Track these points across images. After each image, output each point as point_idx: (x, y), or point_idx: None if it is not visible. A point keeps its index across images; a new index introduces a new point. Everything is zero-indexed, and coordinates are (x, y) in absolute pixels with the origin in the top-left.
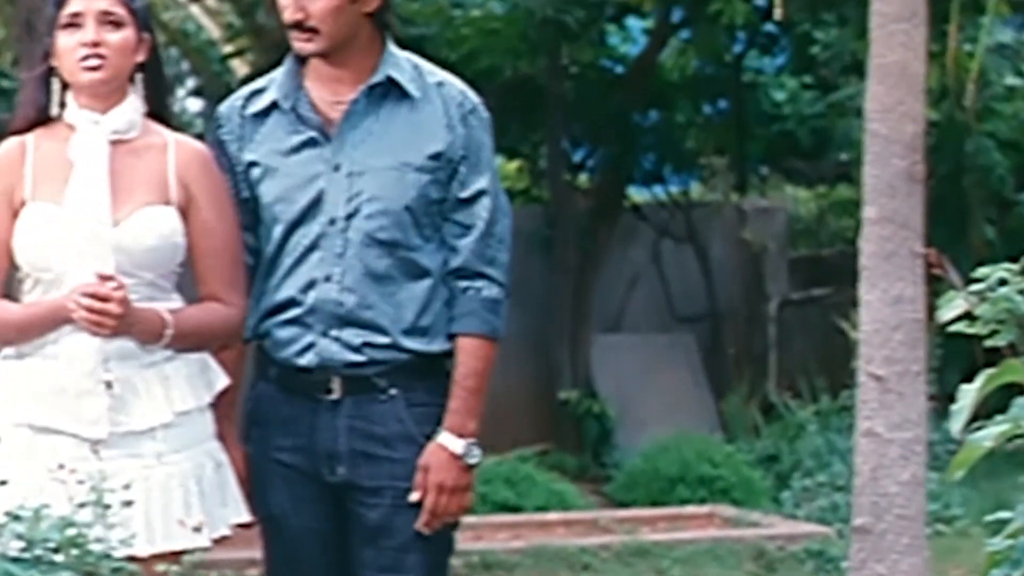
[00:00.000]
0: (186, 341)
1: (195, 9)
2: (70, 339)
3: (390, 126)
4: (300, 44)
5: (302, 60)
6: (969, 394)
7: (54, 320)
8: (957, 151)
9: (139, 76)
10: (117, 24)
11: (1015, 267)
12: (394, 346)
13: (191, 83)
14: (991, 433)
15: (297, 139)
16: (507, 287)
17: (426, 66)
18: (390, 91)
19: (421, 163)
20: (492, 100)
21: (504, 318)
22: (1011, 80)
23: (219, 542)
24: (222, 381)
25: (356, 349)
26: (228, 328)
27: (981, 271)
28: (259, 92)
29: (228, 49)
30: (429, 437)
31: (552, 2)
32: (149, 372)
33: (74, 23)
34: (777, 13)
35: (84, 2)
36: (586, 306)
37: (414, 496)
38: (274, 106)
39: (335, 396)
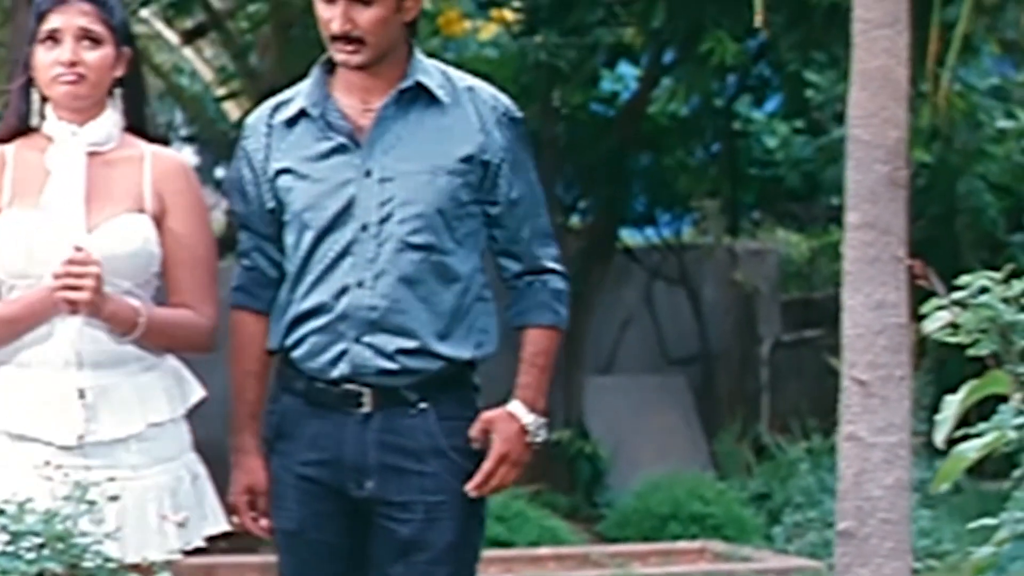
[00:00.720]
0: (157, 338)
1: (188, 53)
2: (44, 346)
3: (419, 131)
4: (346, 56)
5: (329, 70)
6: (952, 405)
7: (40, 305)
8: (949, 193)
9: (118, 90)
10: (96, 41)
11: (997, 275)
12: (426, 351)
13: (184, 132)
14: (975, 445)
15: (326, 145)
16: (568, 276)
17: (455, 73)
18: (419, 96)
19: (452, 166)
20: None
21: (569, 306)
22: (1003, 123)
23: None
24: (198, 393)
25: (389, 356)
26: (198, 334)
27: (963, 279)
28: (286, 102)
29: (221, 92)
30: (458, 450)
31: (545, 45)
32: (125, 382)
33: (52, 38)
34: (757, 20)
35: (63, 18)
36: (578, 348)
37: (475, 444)
38: (302, 114)
39: (366, 410)
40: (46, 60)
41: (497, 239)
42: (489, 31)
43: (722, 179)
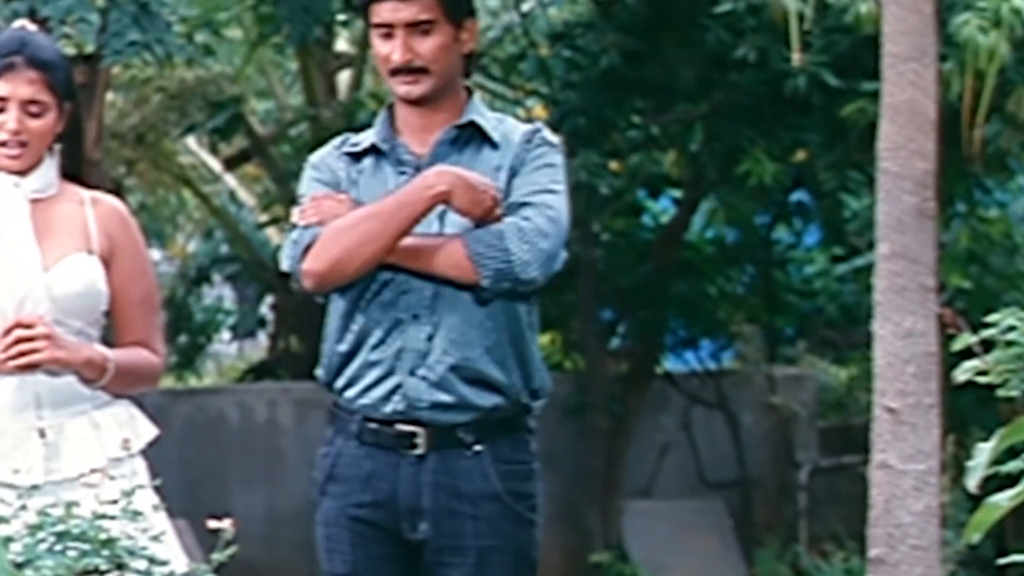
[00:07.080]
0: (123, 380)
1: (232, 180)
2: (2, 388)
3: (474, 167)
4: (408, 88)
5: (393, 113)
6: (984, 452)
7: None
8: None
9: (57, 145)
10: (40, 111)
11: None
12: (480, 380)
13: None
14: (1008, 495)
15: (398, 180)
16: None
17: (511, 120)
18: (474, 136)
19: (505, 203)
20: None
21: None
22: None
23: None
24: (151, 431)
25: (444, 388)
26: (154, 373)
27: (992, 317)
28: (355, 142)
29: (264, 218)
30: (512, 495)
31: (585, 166)
32: (81, 420)
33: None
34: (796, 59)
35: (10, 87)
36: (617, 472)
37: None
38: (371, 150)
39: (420, 451)
40: None
41: None
42: None
43: (760, 308)
